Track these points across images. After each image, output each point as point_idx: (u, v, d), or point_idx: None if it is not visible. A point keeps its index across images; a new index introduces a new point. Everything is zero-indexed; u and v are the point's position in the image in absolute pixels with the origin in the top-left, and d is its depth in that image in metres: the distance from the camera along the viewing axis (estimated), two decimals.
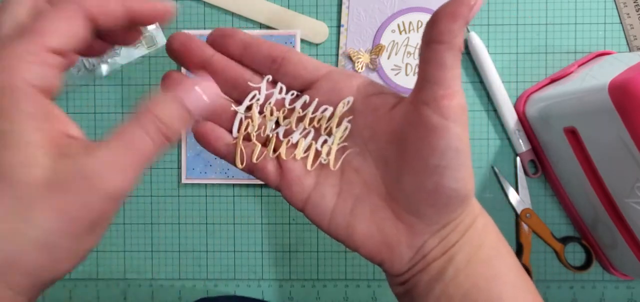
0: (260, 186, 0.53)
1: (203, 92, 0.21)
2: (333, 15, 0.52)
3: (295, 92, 0.26)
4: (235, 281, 0.53)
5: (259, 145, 0.26)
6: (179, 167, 0.52)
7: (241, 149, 0.25)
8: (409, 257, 0.25)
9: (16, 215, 0.18)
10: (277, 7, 0.51)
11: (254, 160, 0.25)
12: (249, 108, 0.26)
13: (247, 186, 0.53)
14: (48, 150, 0.18)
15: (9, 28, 0.19)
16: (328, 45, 0.52)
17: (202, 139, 0.26)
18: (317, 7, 0.52)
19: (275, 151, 0.26)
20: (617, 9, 0.50)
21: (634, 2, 0.50)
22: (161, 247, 0.53)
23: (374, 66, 0.51)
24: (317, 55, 0.52)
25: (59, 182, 0.18)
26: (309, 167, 0.25)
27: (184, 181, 0.52)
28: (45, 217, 0.18)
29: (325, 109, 0.25)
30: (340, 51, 0.51)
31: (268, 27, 0.51)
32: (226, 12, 0.52)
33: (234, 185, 0.53)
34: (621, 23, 0.50)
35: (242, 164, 0.25)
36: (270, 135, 0.26)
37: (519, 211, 0.51)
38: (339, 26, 0.51)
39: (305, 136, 0.26)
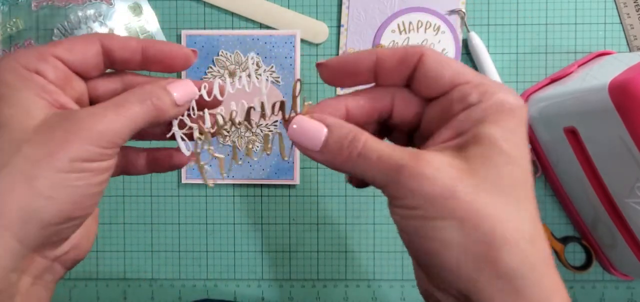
0: (260, 186, 0.53)
1: (182, 84, 0.26)
2: (333, 15, 0.52)
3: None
4: (235, 281, 0.53)
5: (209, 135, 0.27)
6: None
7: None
8: None
9: (7, 152, 0.21)
10: (277, 7, 0.51)
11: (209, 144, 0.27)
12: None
13: (247, 186, 0.53)
14: (44, 110, 0.22)
15: None
16: (328, 45, 0.52)
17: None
18: (317, 7, 0.52)
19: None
20: (617, 9, 0.50)
21: (634, 2, 0.50)
22: (161, 247, 0.53)
23: None
24: (317, 55, 0.52)
25: (46, 125, 0.22)
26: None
27: (184, 181, 0.52)
28: (29, 149, 0.21)
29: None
30: (340, 51, 0.51)
31: (268, 27, 0.51)
32: (226, 12, 0.52)
33: (234, 185, 0.53)
34: (621, 23, 0.50)
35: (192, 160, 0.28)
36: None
37: None
38: (339, 26, 0.51)
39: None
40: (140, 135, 0.28)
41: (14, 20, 0.52)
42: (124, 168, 0.28)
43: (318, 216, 0.53)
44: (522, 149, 0.21)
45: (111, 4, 0.52)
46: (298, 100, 0.25)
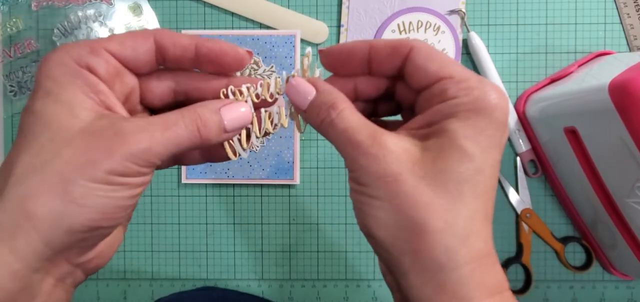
0: (260, 185, 0.53)
1: (237, 112, 0.24)
2: (333, 15, 0.52)
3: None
4: (235, 280, 0.53)
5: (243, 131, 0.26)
6: (179, 167, 0.52)
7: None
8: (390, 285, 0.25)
9: (48, 151, 0.21)
10: (277, 7, 0.51)
11: (246, 143, 0.26)
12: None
13: (247, 186, 0.53)
14: (90, 112, 0.22)
15: None
16: (328, 45, 0.52)
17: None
18: (317, 7, 0.52)
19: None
20: (617, 9, 0.50)
21: (634, 2, 0.50)
22: (161, 247, 0.53)
23: None
24: (317, 55, 0.52)
25: (91, 130, 0.21)
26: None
27: (184, 180, 0.52)
28: (70, 153, 0.21)
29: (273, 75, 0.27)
30: None
31: (268, 27, 0.51)
32: (226, 12, 0.52)
33: (234, 185, 0.53)
34: (621, 23, 0.50)
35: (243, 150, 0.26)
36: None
37: (519, 211, 0.51)
38: (339, 26, 0.51)
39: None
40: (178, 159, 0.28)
41: (14, 20, 0.52)
42: (179, 159, 0.28)
43: (318, 216, 0.53)
44: (484, 149, 0.21)
45: (111, 4, 0.52)
46: (309, 71, 0.26)
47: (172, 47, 0.24)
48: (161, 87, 0.26)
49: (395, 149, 0.21)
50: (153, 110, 0.27)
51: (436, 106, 0.22)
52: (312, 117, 0.24)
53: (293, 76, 0.26)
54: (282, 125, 0.26)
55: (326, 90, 0.24)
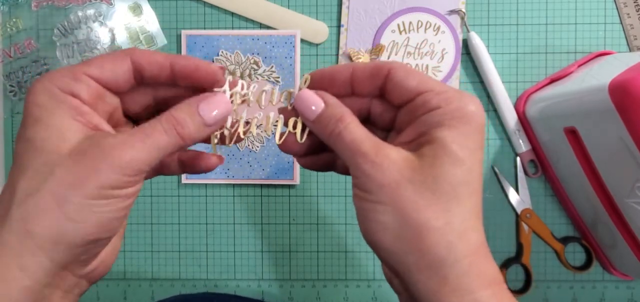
0: (260, 186, 0.53)
1: (215, 104, 0.25)
2: (333, 15, 0.52)
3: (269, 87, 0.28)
4: (235, 280, 0.53)
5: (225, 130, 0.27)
6: None
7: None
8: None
9: (41, 174, 0.22)
10: (277, 7, 0.51)
11: (227, 143, 0.27)
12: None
13: (247, 186, 0.53)
14: (78, 133, 0.23)
15: None
16: (328, 45, 0.52)
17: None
18: (317, 7, 0.52)
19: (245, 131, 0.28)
20: (617, 9, 0.50)
21: (634, 2, 0.50)
22: (161, 247, 0.53)
23: None
24: (317, 55, 0.52)
25: (79, 151, 0.22)
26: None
27: (184, 181, 0.52)
28: (62, 175, 0.22)
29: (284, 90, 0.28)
30: (340, 51, 0.51)
31: (268, 27, 0.51)
32: (226, 12, 0.52)
33: (234, 185, 0.53)
34: (621, 23, 0.50)
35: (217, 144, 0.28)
36: (240, 118, 0.28)
37: (519, 211, 0.51)
38: (339, 26, 0.51)
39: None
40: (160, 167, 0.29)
41: (14, 20, 0.52)
42: (159, 170, 0.29)
43: (318, 216, 0.53)
44: (472, 151, 0.23)
45: (111, 4, 0.52)
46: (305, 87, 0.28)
47: (149, 66, 0.25)
48: (142, 100, 0.27)
49: (396, 158, 0.23)
50: (137, 120, 0.29)
51: (422, 117, 0.24)
52: (321, 128, 0.25)
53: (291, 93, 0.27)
54: (265, 132, 0.28)
55: (334, 104, 0.26)
